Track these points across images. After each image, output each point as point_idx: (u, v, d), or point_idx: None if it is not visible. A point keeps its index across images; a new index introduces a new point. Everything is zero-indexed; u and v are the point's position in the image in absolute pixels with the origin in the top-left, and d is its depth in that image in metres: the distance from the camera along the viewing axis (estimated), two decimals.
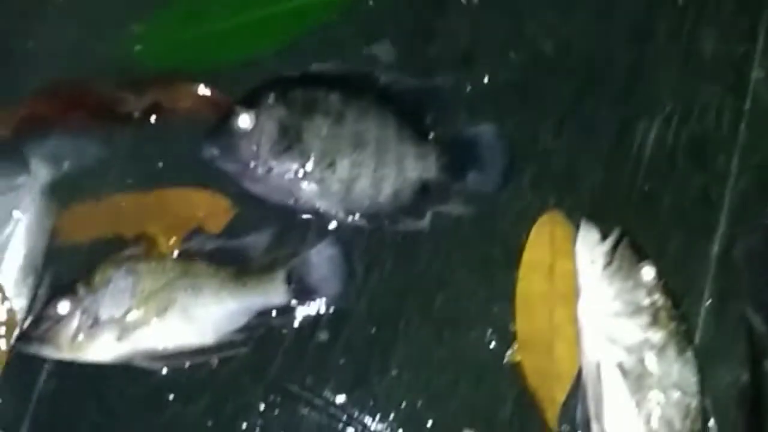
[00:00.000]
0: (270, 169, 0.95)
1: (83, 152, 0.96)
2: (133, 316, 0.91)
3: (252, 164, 0.95)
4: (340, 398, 0.92)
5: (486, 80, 1.00)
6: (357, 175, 0.95)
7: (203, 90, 0.98)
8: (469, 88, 1.00)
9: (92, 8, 1.02)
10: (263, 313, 0.93)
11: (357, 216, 0.95)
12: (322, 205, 0.95)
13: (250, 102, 0.96)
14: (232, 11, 1.01)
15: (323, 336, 0.94)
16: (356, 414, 0.92)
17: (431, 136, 0.98)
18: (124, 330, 0.90)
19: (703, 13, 1.03)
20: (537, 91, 1.01)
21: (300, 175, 0.95)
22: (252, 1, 1.01)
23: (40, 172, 0.95)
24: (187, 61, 1.00)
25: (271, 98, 0.96)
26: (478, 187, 0.97)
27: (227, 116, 0.95)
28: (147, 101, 0.98)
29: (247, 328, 0.93)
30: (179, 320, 0.92)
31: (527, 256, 0.95)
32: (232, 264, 0.94)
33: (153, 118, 0.98)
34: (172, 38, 1.01)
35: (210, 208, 0.95)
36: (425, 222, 0.96)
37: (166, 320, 0.91)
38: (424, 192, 0.97)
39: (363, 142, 0.96)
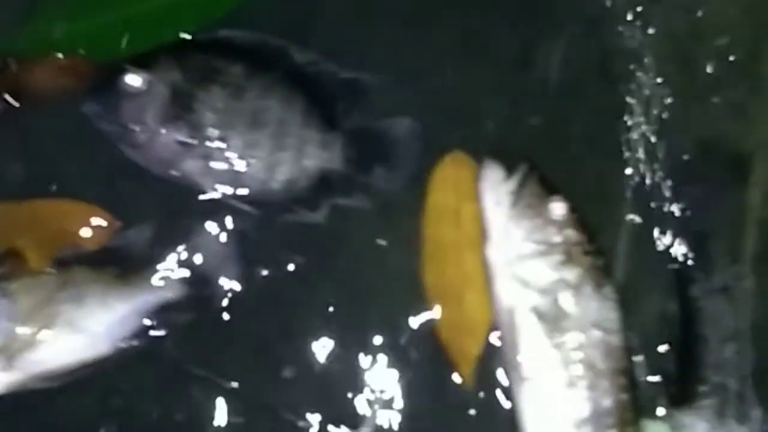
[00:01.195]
0: (153, 137, 0.88)
1: None
2: (16, 340, 0.82)
3: (134, 128, 0.88)
4: (243, 376, 0.86)
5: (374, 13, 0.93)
6: (249, 156, 0.88)
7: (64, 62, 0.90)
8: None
9: None
10: (159, 310, 0.86)
11: (245, 200, 0.88)
12: (206, 183, 0.88)
13: (144, 62, 0.89)
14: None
15: (222, 313, 0.87)
16: (261, 390, 0.86)
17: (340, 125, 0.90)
18: (9, 357, 0.82)
19: None
20: (430, 24, 0.93)
21: (185, 148, 0.87)
22: None
23: None
24: (90, 49, 0.91)
25: (166, 60, 0.89)
26: (383, 184, 0.89)
27: (115, 72, 0.88)
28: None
29: (144, 329, 0.85)
30: (68, 335, 0.84)
31: (432, 202, 0.89)
32: (116, 264, 0.86)
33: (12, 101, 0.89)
34: (74, 26, 0.91)
35: (87, 222, 0.87)
36: (320, 215, 0.89)
37: (53, 338, 0.83)
38: (324, 183, 0.89)
39: (261, 121, 0.88)
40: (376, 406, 0.86)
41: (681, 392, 0.85)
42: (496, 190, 0.86)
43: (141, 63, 0.89)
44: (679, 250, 0.88)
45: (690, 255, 0.88)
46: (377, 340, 0.87)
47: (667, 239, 0.89)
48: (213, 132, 0.88)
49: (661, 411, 0.85)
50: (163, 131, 0.88)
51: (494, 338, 0.85)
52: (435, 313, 0.87)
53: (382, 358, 0.87)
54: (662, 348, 0.87)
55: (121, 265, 0.87)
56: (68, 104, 0.89)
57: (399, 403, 0.86)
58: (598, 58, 0.93)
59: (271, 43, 0.91)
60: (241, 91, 0.89)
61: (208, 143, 0.88)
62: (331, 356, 0.87)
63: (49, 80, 0.90)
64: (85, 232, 0.88)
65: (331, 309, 0.88)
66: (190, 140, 0.87)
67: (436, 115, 0.91)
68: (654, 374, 0.86)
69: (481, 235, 0.86)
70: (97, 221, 0.88)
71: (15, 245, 0.86)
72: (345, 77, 0.91)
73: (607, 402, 0.82)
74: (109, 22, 0.92)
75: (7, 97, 0.90)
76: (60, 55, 0.91)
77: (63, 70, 0.90)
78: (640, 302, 0.88)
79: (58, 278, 0.85)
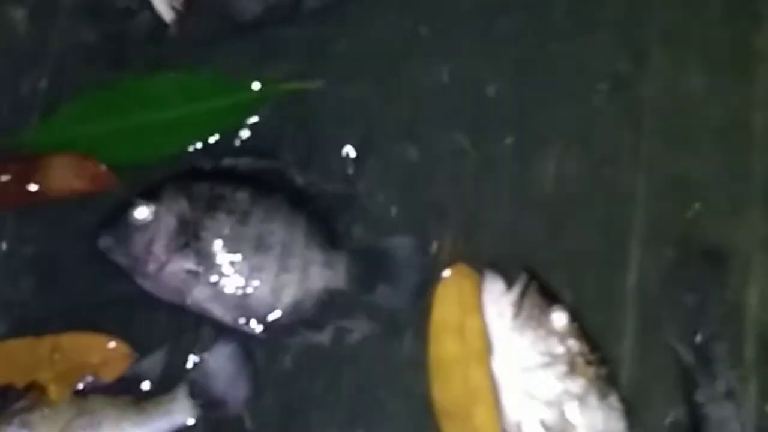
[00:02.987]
0: (162, 267, 0.90)
1: None
2: None
3: (144, 260, 0.90)
4: None
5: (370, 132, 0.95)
6: (256, 280, 0.89)
7: (84, 164, 0.93)
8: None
9: None
10: None
11: (252, 324, 0.89)
12: (215, 309, 0.89)
13: (151, 194, 0.92)
14: (144, 108, 0.96)
15: None
16: None
17: (343, 244, 0.92)
18: None
19: (591, 33, 0.98)
20: (428, 138, 0.95)
21: (193, 275, 0.89)
22: (166, 99, 0.96)
23: None
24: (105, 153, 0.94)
25: (173, 191, 0.91)
26: (387, 303, 0.90)
27: (125, 206, 0.91)
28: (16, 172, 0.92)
29: None
30: None
31: (436, 317, 0.89)
32: (131, 391, 0.88)
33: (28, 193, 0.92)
34: (69, 135, 0.95)
35: (105, 355, 0.89)
36: (326, 336, 0.90)
37: None
38: (328, 304, 0.91)
39: (266, 244, 0.90)
40: None
41: None
42: (497, 302, 0.87)
43: (148, 195, 0.91)
44: (682, 355, 0.88)
45: (693, 359, 0.88)
46: None
47: (669, 345, 0.89)
48: (220, 258, 0.89)
49: None
50: (172, 261, 0.90)
51: None
52: (444, 429, 0.87)
53: None
54: None
55: (135, 391, 0.88)
56: (82, 240, 0.92)
57: None
58: (591, 170, 0.94)
59: (273, 167, 0.94)
60: (246, 217, 0.90)
61: (215, 270, 0.89)
62: None
63: (64, 176, 0.93)
64: (104, 364, 0.89)
65: (337, 430, 0.88)
66: (198, 268, 0.89)
67: (436, 229, 0.92)
68: None
69: (487, 348, 0.87)
70: (114, 352, 0.90)
71: (37, 379, 0.88)
72: (345, 196, 0.93)
73: None
74: (129, 128, 0.96)
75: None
76: (76, 154, 0.94)
77: (78, 169, 0.93)
78: (647, 410, 0.87)
79: (76, 407, 0.87)
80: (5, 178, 0.93)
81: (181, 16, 0.97)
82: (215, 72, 0.97)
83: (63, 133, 0.96)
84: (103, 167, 0.94)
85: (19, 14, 1.00)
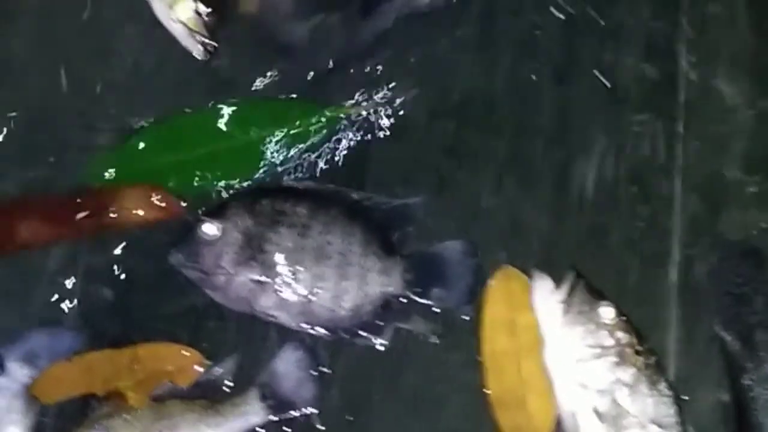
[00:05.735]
0: (230, 279, 0.93)
1: (59, 348, 0.93)
2: None
3: (213, 273, 0.93)
4: None
5: (418, 146, 0.98)
6: (318, 288, 0.92)
7: (155, 194, 0.96)
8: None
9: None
10: None
11: (315, 328, 0.92)
12: (280, 316, 0.92)
13: (217, 212, 0.95)
14: (207, 139, 0.99)
15: None
16: None
17: (398, 251, 0.94)
18: None
19: (622, 42, 1.01)
20: (470, 151, 0.98)
21: (259, 285, 0.92)
22: (228, 130, 0.99)
23: (17, 373, 0.92)
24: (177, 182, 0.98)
25: (237, 208, 0.95)
26: (442, 304, 0.93)
27: (194, 224, 0.94)
28: (92, 205, 0.95)
29: None
30: None
31: (487, 315, 0.91)
32: (206, 396, 0.91)
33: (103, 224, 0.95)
34: (139, 166, 0.99)
35: (180, 362, 0.92)
36: (384, 338, 0.92)
37: None
38: (386, 307, 0.93)
39: (326, 255, 0.93)
40: None
41: None
42: (547, 300, 0.89)
43: (215, 213, 0.94)
44: (727, 342, 0.89)
45: (739, 346, 0.89)
46: None
47: (714, 333, 0.90)
48: (284, 269, 0.92)
49: None
50: (239, 273, 0.93)
51: None
52: (500, 419, 0.88)
53: None
54: None
55: (209, 395, 0.91)
56: (155, 258, 0.95)
57: None
58: (629, 171, 0.96)
59: (328, 186, 0.97)
60: (306, 230, 0.93)
61: (280, 280, 0.92)
62: None
63: (136, 207, 0.96)
64: (179, 371, 0.92)
65: (400, 425, 0.90)
66: (263, 279, 0.92)
67: (484, 234, 0.95)
68: None
69: (538, 342, 0.89)
70: (188, 360, 0.92)
71: (117, 387, 0.91)
72: (397, 206, 0.96)
73: None
74: (194, 158, 0.99)
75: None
76: (146, 185, 0.97)
77: (148, 200, 0.96)
78: (695, 394, 0.88)
79: (154, 411, 0.90)
80: (82, 215, 0.96)
81: (210, 48, 1.00)
82: (274, 101, 1.00)
83: (131, 166, 0.99)
84: (172, 197, 0.97)
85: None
